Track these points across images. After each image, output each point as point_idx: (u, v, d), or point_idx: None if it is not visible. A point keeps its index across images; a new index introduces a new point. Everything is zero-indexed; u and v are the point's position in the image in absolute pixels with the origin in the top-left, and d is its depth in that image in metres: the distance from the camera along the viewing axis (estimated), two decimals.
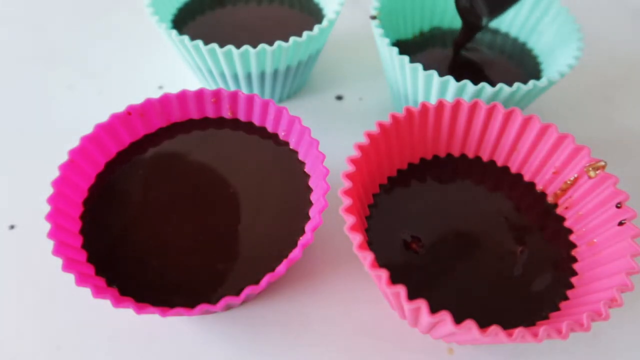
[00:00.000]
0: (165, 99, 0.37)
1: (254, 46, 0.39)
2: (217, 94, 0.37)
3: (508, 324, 0.28)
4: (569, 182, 0.34)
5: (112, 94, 0.49)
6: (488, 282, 0.31)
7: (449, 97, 0.38)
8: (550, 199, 0.35)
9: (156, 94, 0.37)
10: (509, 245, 0.33)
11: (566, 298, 0.30)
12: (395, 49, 0.39)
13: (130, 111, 0.36)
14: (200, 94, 0.37)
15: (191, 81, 0.50)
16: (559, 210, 0.34)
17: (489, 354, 0.33)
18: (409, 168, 0.37)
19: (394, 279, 0.27)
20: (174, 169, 0.36)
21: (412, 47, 0.46)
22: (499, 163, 0.37)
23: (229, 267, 0.31)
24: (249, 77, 0.42)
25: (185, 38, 0.39)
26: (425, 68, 0.38)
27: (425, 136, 0.36)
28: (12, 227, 0.38)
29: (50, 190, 0.31)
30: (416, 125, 0.35)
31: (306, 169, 0.35)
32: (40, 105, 0.48)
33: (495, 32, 0.48)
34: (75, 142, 0.34)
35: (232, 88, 0.44)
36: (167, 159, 0.36)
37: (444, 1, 0.48)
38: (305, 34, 0.40)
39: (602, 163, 0.32)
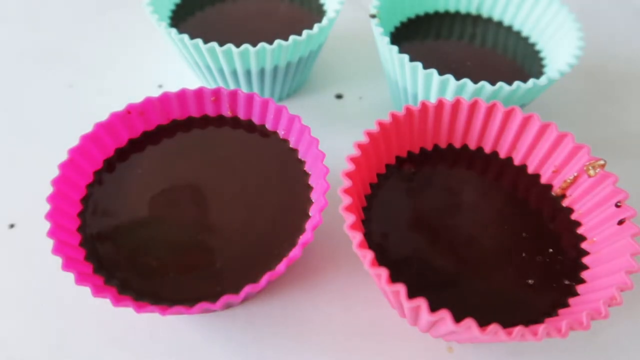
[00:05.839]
0: (165, 98, 0.37)
1: (254, 43, 0.39)
2: (216, 92, 0.37)
3: (511, 322, 0.28)
4: (568, 180, 0.34)
5: (111, 92, 0.49)
6: (489, 278, 0.31)
7: (449, 96, 0.38)
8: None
9: (156, 93, 0.37)
10: (510, 243, 0.33)
11: (566, 300, 0.30)
12: (395, 48, 0.39)
13: (130, 110, 0.36)
14: (199, 92, 0.37)
15: (191, 79, 0.50)
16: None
17: (489, 353, 0.33)
18: None
19: (394, 278, 0.27)
20: (174, 168, 0.36)
21: (411, 33, 0.46)
22: None
23: (229, 265, 0.31)
24: (248, 74, 0.42)
25: (185, 37, 0.39)
26: (424, 58, 0.38)
27: (425, 135, 0.36)
28: (11, 226, 0.38)
29: (50, 189, 0.31)
30: (416, 124, 0.35)
31: (306, 168, 0.35)
32: (40, 104, 0.48)
33: (499, 25, 0.48)
34: (75, 141, 0.34)
35: (232, 86, 0.44)
36: (166, 157, 0.36)
37: None
38: (305, 32, 0.40)
39: (602, 162, 0.32)
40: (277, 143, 0.37)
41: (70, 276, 0.28)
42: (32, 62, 0.52)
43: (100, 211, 0.33)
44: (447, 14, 0.49)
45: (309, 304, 0.35)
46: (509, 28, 0.48)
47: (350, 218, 0.28)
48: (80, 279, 0.28)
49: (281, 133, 0.37)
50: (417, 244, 0.32)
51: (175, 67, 0.51)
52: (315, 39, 0.42)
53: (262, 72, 0.42)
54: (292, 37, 0.39)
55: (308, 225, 0.31)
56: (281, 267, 0.28)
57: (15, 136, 0.45)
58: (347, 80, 0.51)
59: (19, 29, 0.56)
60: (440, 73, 0.38)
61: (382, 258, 0.31)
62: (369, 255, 0.26)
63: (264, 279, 0.28)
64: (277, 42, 0.39)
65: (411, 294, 0.27)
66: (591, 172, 0.32)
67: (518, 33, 0.47)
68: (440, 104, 0.35)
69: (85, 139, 0.34)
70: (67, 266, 0.28)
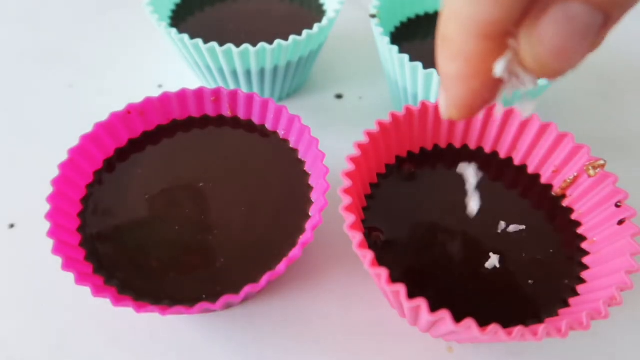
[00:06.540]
0: (165, 98, 0.37)
1: (254, 43, 0.39)
2: (216, 92, 0.37)
3: (511, 322, 0.28)
4: (568, 180, 0.34)
5: (111, 92, 0.49)
6: (489, 278, 0.31)
7: None
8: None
9: (156, 93, 0.37)
10: (509, 242, 0.33)
11: (566, 300, 0.30)
12: (395, 48, 0.39)
13: (130, 110, 0.36)
14: (200, 92, 0.37)
15: (191, 79, 0.50)
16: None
17: (489, 353, 0.33)
18: None
19: (394, 278, 0.27)
20: (174, 168, 0.36)
21: (410, 33, 0.46)
22: None
23: (229, 265, 0.31)
24: (248, 74, 0.42)
25: (185, 37, 0.39)
26: (424, 58, 0.38)
27: (425, 135, 0.36)
28: (11, 226, 0.38)
29: (50, 189, 0.31)
30: (416, 124, 0.35)
31: (306, 168, 0.35)
32: (40, 104, 0.48)
33: None
34: (75, 141, 0.34)
35: (232, 86, 0.44)
36: (166, 157, 0.36)
37: None
38: (305, 32, 0.40)
39: (602, 162, 0.32)
40: (277, 143, 0.37)
41: (70, 276, 0.28)
42: (32, 62, 0.52)
43: (100, 211, 0.33)
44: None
45: (309, 304, 0.35)
46: None
47: (350, 218, 0.28)
48: (80, 279, 0.28)
49: (281, 133, 0.37)
50: (417, 244, 0.32)
51: (175, 67, 0.51)
52: (315, 39, 0.42)
53: (262, 72, 0.42)
54: (292, 37, 0.39)
55: (308, 225, 0.31)
56: (281, 267, 0.28)
57: (15, 136, 0.45)
58: (347, 80, 0.51)
59: (19, 29, 0.56)
60: None
61: (382, 258, 0.31)
62: (369, 255, 0.26)
63: (264, 279, 0.28)
64: (277, 42, 0.39)
65: (411, 294, 0.27)
66: (591, 172, 0.32)
67: None
68: None
69: (85, 139, 0.34)
70: (67, 266, 0.28)
